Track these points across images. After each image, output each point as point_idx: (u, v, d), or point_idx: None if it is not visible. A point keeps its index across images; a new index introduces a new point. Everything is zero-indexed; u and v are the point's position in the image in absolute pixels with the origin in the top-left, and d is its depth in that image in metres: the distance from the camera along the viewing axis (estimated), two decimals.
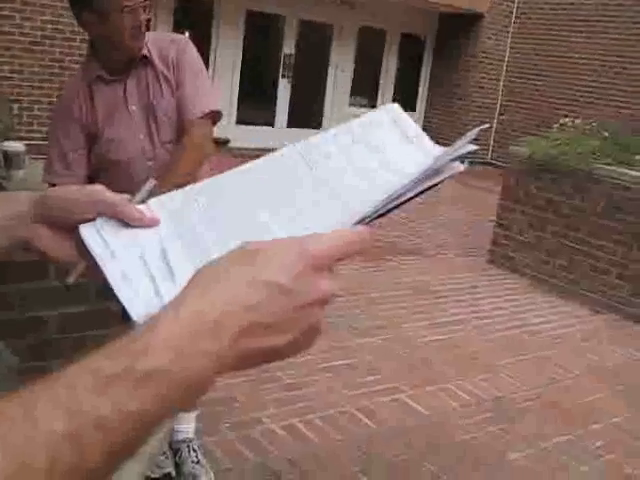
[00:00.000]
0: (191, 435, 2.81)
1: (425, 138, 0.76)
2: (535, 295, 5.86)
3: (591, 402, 3.93)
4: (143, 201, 0.73)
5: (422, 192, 0.67)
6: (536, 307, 5.55)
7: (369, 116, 0.79)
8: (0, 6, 8.20)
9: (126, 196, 0.72)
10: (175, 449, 2.78)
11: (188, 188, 0.74)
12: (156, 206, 0.72)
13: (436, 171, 0.67)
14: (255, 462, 2.94)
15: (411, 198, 0.66)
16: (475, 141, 0.69)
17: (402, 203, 0.66)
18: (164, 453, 2.76)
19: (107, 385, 0.46)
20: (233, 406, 3.31)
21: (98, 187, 0.72)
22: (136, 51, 2.32)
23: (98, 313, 2.58)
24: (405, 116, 0.80)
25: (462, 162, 0.68)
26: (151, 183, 0.78)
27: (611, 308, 5.59)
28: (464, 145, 0.68)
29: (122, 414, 0.46)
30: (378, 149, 0.75)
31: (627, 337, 5.11)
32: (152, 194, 0.75)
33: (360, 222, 0.63)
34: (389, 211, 0.65)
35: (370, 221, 0.64)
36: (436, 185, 0.67)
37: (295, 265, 0.54)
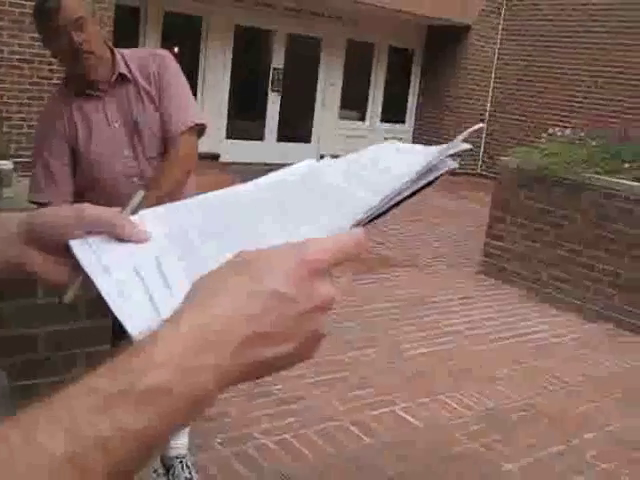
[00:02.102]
0: (184, 451, 2.78)
1: (418, 146, 0.77)
2: (528, 305, 5.87)
3: (585, 411, 3.92)
4: (133, 213, 0.71)
5: (417, 191, 0.67)
6: (529, 317, 5.55)
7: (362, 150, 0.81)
8: None
9: (116, 209, 0.70)
10: (168, 465, 2.76)
11: (181, 202, 0.73)
12: (148, 218, 0.70)
13: (430, 169, 0.67)
14: (249, 478, 2.91)
15: (407, 197, 0.66)
16: (466, 152, 0.70)
17: (398, 203, 0.66)
18: (155, 470, 2.74)
19: (107, 405, 0.45)
20: (226, 421, 3.28)
21: (85, 204, 0.71)
22: (86, 72, 2.30)
23: (88, 330, 2.56)
24: (400, 143, 0.81)
25: (455, 160, 0.68)
26: (140, 194, 0.76)
27: (604, 317, 5.59)
28: (458, 144, 0.68)
29: (123, 434, 0.45)
30: (373, 160, 0.75)
31: (620, 346, 5.11)
32: (141, 205, 0.74)
33: (357, 224, 0.63)
34: (386, 211, 0.65)
35: (367, 222, 0.64)
36: (430, 184, 0.67)
37: (294, 272, 0.53)
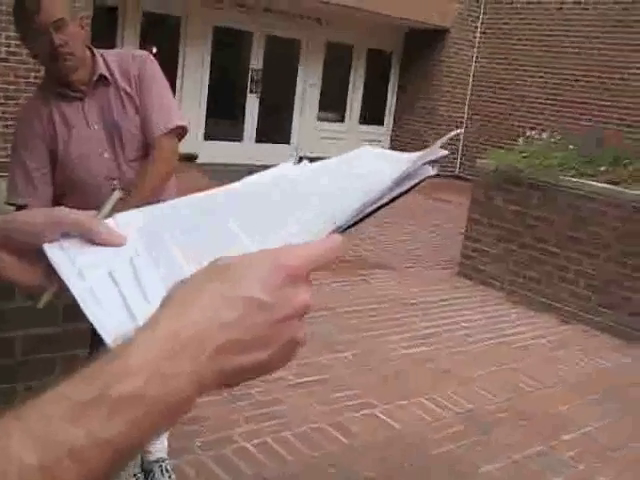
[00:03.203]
0: (164, 455, 2.77)
1: (397, 153, 0.77)
2: (505, 307, 5.91)
3: (562, 412, 3.96)
4: (109, 216, 0.70)
5: (396, 198, 0.67)
6: (506, 319, 5.59)
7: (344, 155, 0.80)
8: None
9: (91, 213, 0.69)
10: (147, 470, 2.74)
11: (158, 205, 0.72)
12: (124, 222, 0.69)
13: (408, 176, 0.67)
14: None
15: (385, 204, 0.66)
16: (444, 153, 0.70)
17: (376, 210, 0.66)
18: (135, 475, 2.72)
19: (81, 413, 0.44)
20: (205, 424, 3.27)
21: (60, 207, 0.70)
22: (65, 73, 2.28)
23: (66, 334, 2.54)
24: (378, 150, 0.81)
25: (433, 167, 0.69)
26: (115, 196, 0.75)
27: (580, 318, 5.65)
28: (436, 150, 0.68)
29: (97, 443, 0.44)
30: (349, 166, 0.75)
31: (596, 347, 5.17)
32: (117, 208, 0.73)
33: (335, 230, 0.63)
34: (363, 218, 0.65)
35: (345, 229, 0.63)
36: (409, 190, 0.68)
37: (270, 278, 0.52)
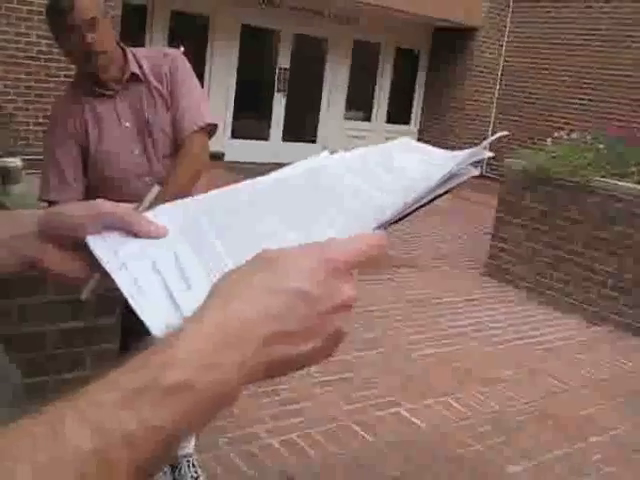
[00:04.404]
0: (190, 450, 2.79)
1: (439, 151, 0.76)
2: (531, 307, 5.87)
3: (589, 414, 3.92)
4: (148, 209, 0.71)
5: (438, 196, 0.67)
6: (533, 319, 5.55)
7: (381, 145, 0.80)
8: None
9: (131, 206, 0.71)
10: (174, 464, 2.76)
11: (195, 198, 0.73)
12: (163, 214, 0.70)
13: (452, 176, 0.67)
14: (253, 477, 2.93)
15: (427, 203, 0.67)
16: (489, 155, 0.71)
17: (418, 208, 0.66)
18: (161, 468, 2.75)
19: (132, 400, 0.45)
20: (231, 421, 3.29)
21: (101, 200, 0.71)
22: (97, 71, 2.31)
23: (96, 328, 2.58)
24: (418, 143, 0.81)
25: (476, 167, 0.69)
26: (155, 190, 0.76)
27: (607, 319, 5.60)
28: (481, 151, 0.69)
29: (148, 429, 0.45)
30: (386, 159, 0.75)
31: (623, 348, 5.12)
32: (156, 202, 0.74)
33: (379, 227, 0.63)
34: (402, 218, 0.66)
35: (388, 226, 0.64)
36: (449, 191, 0.68)
37: (316, 271, 0.53)
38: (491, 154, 0.71)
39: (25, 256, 0.73)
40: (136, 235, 0.68)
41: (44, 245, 0.72)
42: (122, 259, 0.65)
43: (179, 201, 0.73)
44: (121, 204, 0.71)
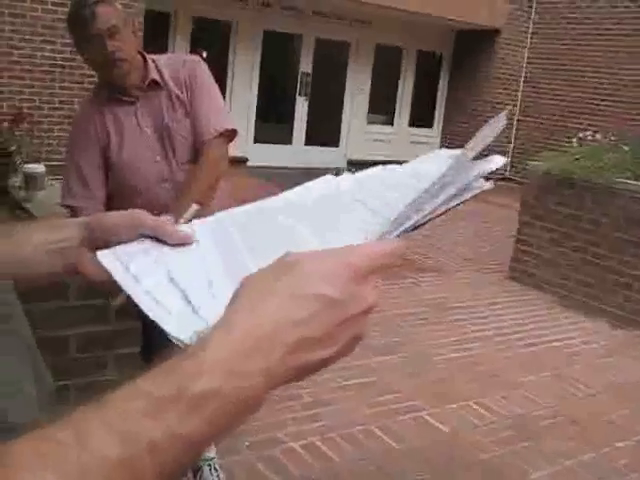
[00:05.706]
0: (212, 454, 2.80)
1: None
2: (556, 311, 5.81)
3: (614, 419, 3.87)
4: (185, 223, 0.75)
5: (451, 208, 0.68)
6: (557, 323, 5.50)
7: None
8: (21, 29, 8.35)
9: (168, 217, 0.74)
10: (196, 469, 2.77)
11: (224, 211, 0.77)
12: (198, 227, 0.74)
13: (464, 188, 0.68)
14: None
15: (442, 213, 0.68)
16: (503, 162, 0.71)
17: (434, 217, 0.67)
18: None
19: (159, 409, 0.46)
20: (253, 425, 3.29)
21: (138, 210, 0.74)
22: (118, 78, 2.33)
23: (118, 333, 2.60)
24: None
25: (488, 180, 0.70)
26: (194, 208, 0.82)
27: (633, 323, 5.53)
28: (492, 160, 0.71)
29: (174, 438, 0.46)
30: (413, 172, 0.77)
31: None
32: (193, 217, 0.78)
33: (399, 234, 0.64)
34: (419, 226, 0.66)
35: (409, 231, 0.65)
36: (465, 201, 0.69)
37: (340, 276, 0.53)
38: (503, 161, 0.72)
39: (70, 263, 0.76)
40: (146, 247, 0.71)
41: (81, 250, 0.75)
42: (133, 272, 0.66)
43: (211, 217, 0.76)
44: (159, 217, 0.74)
